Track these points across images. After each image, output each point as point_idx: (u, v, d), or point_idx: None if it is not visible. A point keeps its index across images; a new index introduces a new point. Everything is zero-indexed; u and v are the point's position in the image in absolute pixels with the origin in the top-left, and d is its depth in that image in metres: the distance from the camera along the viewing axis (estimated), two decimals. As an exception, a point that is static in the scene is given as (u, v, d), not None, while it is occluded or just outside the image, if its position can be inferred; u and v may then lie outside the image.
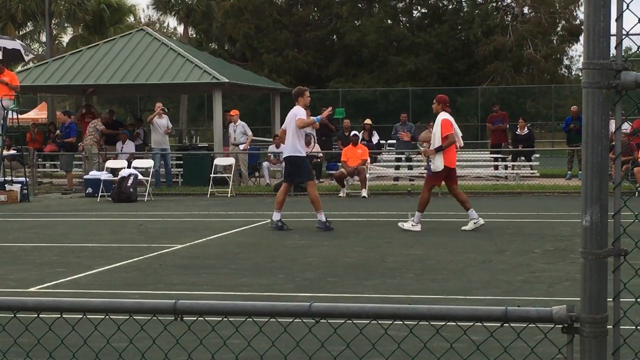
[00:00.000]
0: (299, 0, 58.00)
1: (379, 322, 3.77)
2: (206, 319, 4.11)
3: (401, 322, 3.79)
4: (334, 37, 58.25)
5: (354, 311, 3.80)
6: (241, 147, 29.08)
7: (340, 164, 27.49)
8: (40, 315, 4.25)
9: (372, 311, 3.77)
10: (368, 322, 3.80)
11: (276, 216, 17.54)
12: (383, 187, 28.05)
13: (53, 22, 60.94)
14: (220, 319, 4.07)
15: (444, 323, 3.75)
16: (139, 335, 4.59)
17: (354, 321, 3.80)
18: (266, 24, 55.77)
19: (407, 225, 17.18)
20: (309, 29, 55.97)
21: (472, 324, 3.68)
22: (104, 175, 25.97)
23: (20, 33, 61.67)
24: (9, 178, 25.73)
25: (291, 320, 4.01)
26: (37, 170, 30.28)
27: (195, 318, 4.07)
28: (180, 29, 68.52)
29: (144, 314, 4.10)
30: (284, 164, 18.34)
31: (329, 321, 3.82)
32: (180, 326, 4.28)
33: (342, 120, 31.33)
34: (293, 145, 17.44)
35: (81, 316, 4.20)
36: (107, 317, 4.19)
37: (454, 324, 3.68)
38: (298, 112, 17.45)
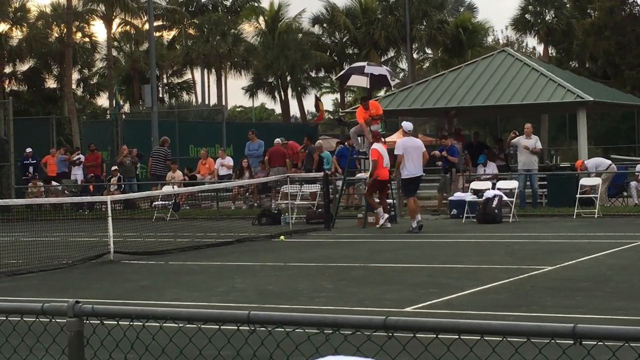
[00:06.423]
0: (665, 14, 55.85)
1: None
2: (605, 344, 4.02)
3: None
4: None
5: None
6: None
7: None
8: (416, 335, 4.34)
9: None
10: None
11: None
12: None
13: (414, 46, 62.48)
14: (622, 344, 3.98)
15: None
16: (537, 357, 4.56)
17: None
18: (628, 40, 54.01)
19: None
20: (678, 43, 53.71)
21: None
22: (469, 197, 26.14)
23: (383, 59, 63.69)
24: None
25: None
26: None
27: (595, 343, 4.00)
28: (540, 49, 68.16)
29: (541, 337, 4.08)
30: None
31: None
32: (579, 351, 4.22)
33: None
34: None
35: (456, 337, 4.25)
36: (482, 338, 4.22)
37: None
38: None
